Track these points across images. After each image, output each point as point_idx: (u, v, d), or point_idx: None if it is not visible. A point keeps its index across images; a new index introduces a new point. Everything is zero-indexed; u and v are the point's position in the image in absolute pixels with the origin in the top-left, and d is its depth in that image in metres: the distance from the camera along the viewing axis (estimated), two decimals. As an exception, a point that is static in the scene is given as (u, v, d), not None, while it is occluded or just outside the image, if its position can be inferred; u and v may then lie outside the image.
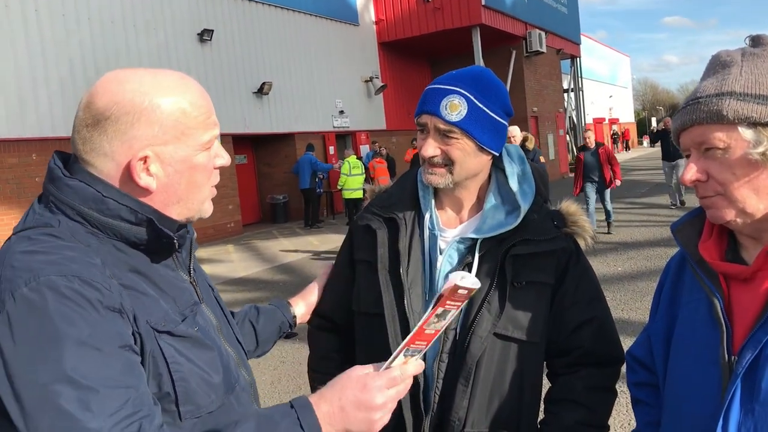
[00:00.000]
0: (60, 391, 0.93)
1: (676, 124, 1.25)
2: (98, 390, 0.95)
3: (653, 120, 69.83)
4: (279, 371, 5.64)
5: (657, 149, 53.32)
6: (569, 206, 1.63)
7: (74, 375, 0.94)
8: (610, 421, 1.63)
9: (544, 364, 1.64)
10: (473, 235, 1.54)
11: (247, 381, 1.30)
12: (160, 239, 1.15)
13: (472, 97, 1.49)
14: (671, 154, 13.80)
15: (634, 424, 1.57)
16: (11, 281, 0.99)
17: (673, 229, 1.37)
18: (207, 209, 1.25)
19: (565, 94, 31.11)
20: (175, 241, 1.17)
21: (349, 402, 1.11)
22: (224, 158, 1.24)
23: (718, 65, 1.22)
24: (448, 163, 1.51)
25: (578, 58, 31.29)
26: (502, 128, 1.56)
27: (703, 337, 1.26)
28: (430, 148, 1.51)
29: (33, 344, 0.95)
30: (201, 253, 13.31)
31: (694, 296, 1.32)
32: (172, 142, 1.14)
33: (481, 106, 1.49)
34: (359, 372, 1.15)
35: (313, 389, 1.71)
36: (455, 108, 1.47)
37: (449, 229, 1.60)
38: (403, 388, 1.16)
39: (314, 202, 16.66)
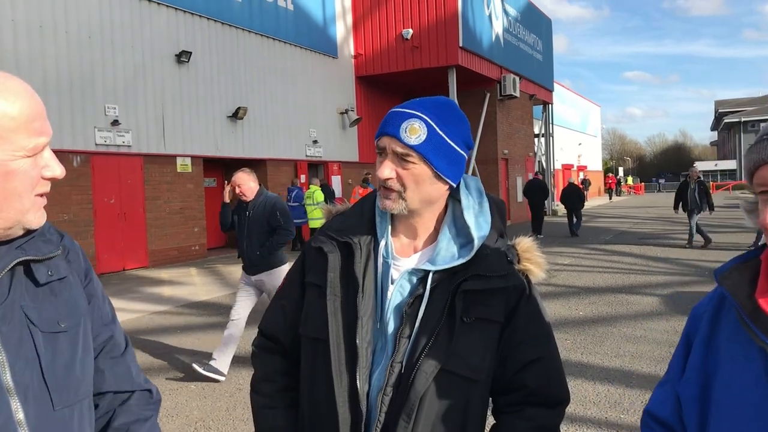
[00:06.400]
0: None
1: (754, 158, 1.12)
2: None
3: (620, 170, 71.37)
4: (235, 398, 5.54)
5: (626, 198, 54.13)
6: (524, 242, 1.61)
7: None
8: None
9: (489, 401, 1.61)
10: (426, 267, 1.51)
11: None
12: None
13: (432, 123, 1.48)
14: None
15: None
16: None
17: (718, 276, 1.21)
18: (32, 220, 1.19)
19: (536, 139, 31.67)
20: None
21: None
22: (56, 169, 1.20)
23: None
24: (403, 188, 1.49)
25: (550, 105, 31.97)
26: (460, 158, 1.54)
27: (758, 398, 1.13)
28: (386, 170, 1.49)
29: None
30: (163, 274, 13.12)
31: (741, 352, 1.17)
32: None
33: (440, 133, 1.48)
34: None
35: (255, 411, 1.67)
36: (414, 132, 1.46)
37: (403, 258, 1.57)
38: None
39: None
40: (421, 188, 1.50)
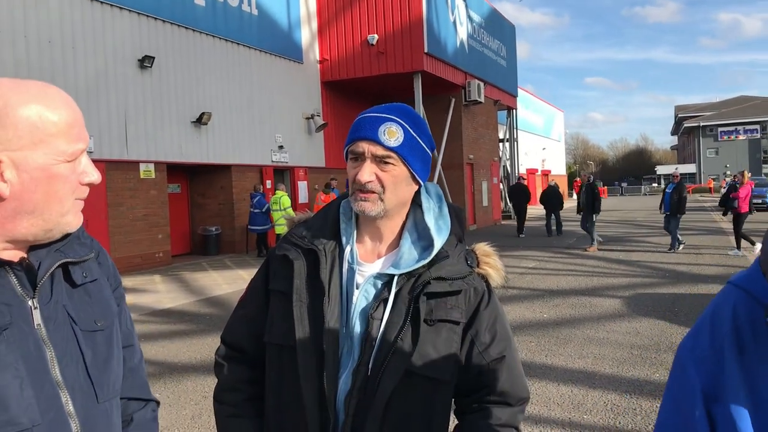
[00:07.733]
0: None
1: None
2: None
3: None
4: (200, 406, 5.50)
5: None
6: (483, 246, 1.66)
7: None
8: None
9: (452, 402, 1.65)
10: (390, 271, 1.54)
11: None
12: None
13: (407, 126, 1.53)
14: None
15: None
16: None
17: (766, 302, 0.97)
18: (70, 221, 1.23)
19: (501, 144, 32.01)
20: None
21: None
22: (93, 175, 1.24)
23: None
24: (383, 189, 1.53)
25: (514, 110, 32.36)
26: (429, 159, 1.61)
27: None
28: (367, 174, 1.51)
29: None
30: (126, 282, 12.92)
31: None
32: (28, 147, 1.13)
33: (414, 135, 1.54)
34: None
35: (219, 420, 1.67)
36: (393, 134, 1.51)
37: (367, 263, 1.60)
38: None
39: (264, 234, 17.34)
40: (399, 189, 1.55)
